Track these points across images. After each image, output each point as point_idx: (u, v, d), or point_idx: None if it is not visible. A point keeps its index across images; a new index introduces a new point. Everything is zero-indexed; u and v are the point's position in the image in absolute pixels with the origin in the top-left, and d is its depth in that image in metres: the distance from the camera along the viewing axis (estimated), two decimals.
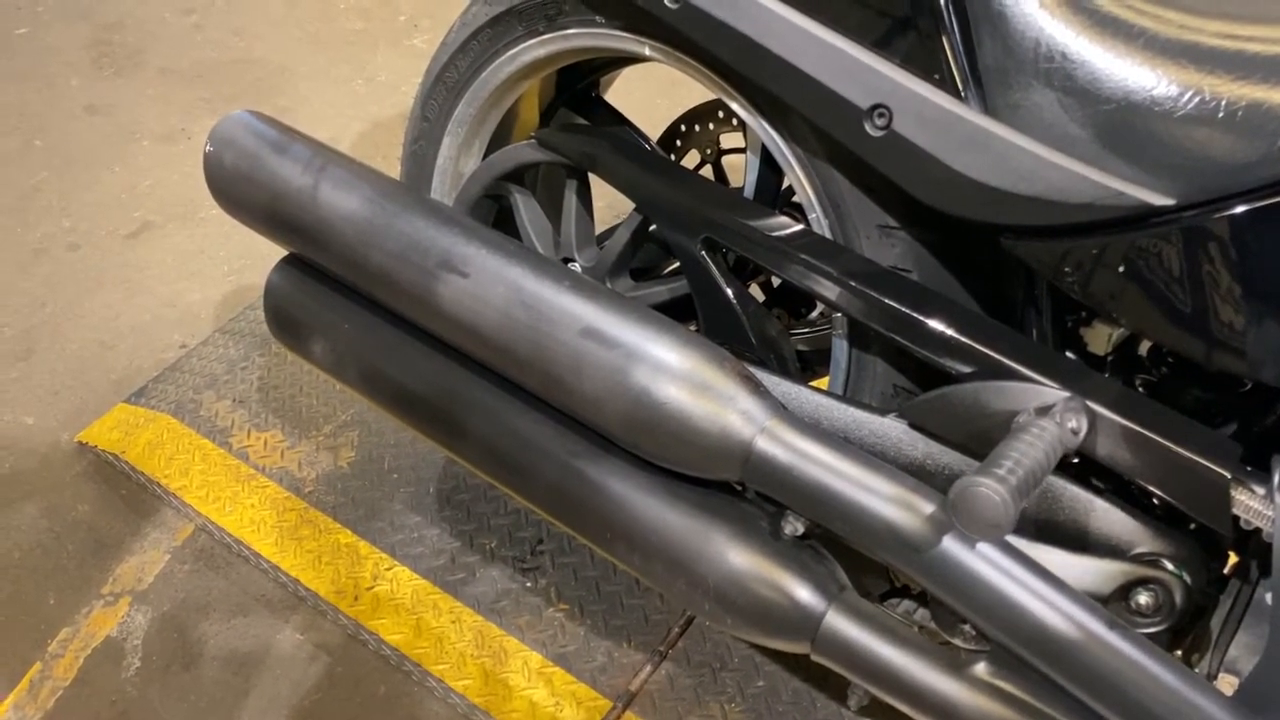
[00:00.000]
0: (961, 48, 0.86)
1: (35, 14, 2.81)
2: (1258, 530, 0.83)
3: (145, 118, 2.48)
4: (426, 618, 1.49)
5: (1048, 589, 0.82)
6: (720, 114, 1.41)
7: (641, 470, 1.01)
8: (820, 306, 1.40)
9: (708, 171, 1.47)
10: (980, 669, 0.89)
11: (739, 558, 0.96)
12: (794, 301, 1.43)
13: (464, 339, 1.06)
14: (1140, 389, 1.02)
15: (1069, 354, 1.04)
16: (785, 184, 1.22)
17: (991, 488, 0.75)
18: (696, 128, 1.44)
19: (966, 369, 0.93)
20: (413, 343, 1.15)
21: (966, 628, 0.92)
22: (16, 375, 1.88)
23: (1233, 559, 0.95)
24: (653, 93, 2.18)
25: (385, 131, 2.44)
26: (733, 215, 1.08)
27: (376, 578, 1.54)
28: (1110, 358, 1.04)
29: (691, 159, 1.46)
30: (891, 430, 0.98)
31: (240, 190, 1.19)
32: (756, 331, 1.12)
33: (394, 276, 1.08)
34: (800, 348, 1.31)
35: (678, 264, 1.15)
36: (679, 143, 1.46)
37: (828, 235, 1.06)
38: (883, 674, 0.92)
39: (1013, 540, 0.88)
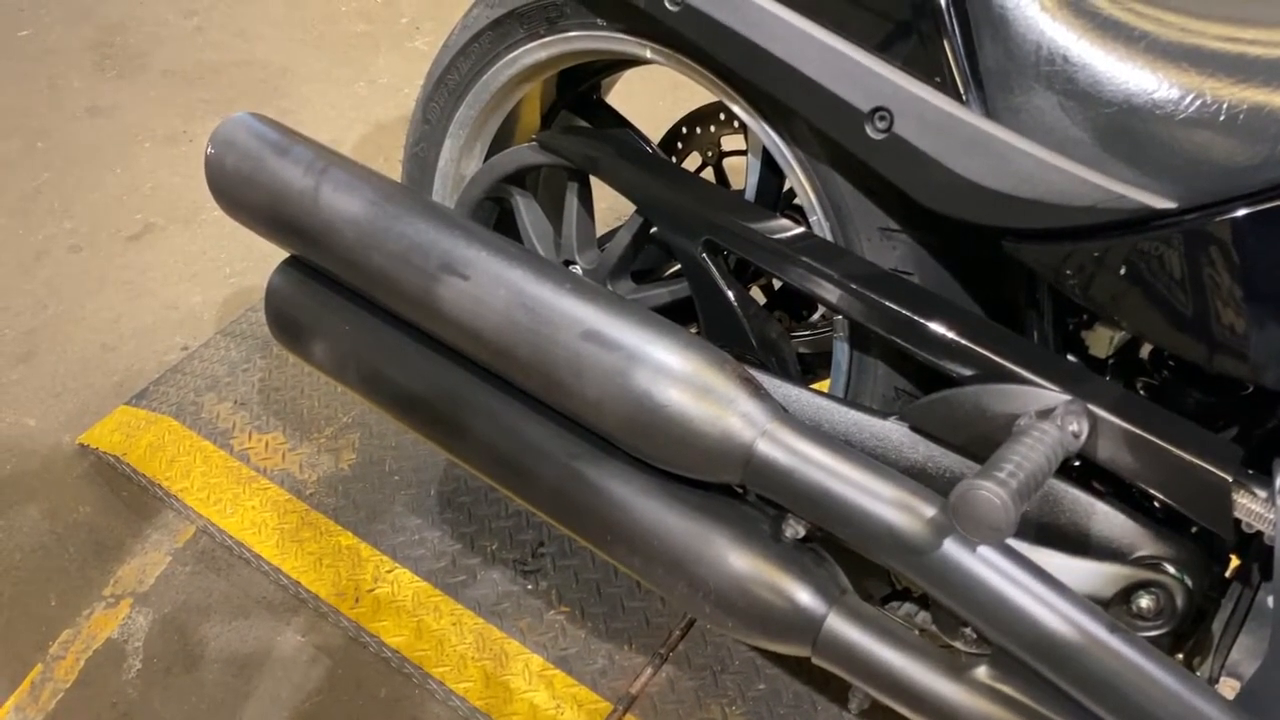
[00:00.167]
0: (963, 51, 0.86)
1: (38, 16, 2.81)
2: (1259, 533, 0.83)
3: (147, 119, 2.48)
4: (427, 620, 1.49)
5: (1049, 592, 0.82)
6: (721, 116, 1.41)
7: (642, 473, 1.01)
8: (821, 309, 1.40)
9: (709, 174, 1.47)
10: (981, 672, 0.89)
11: (740, 560, 0.96)
12: (795, 304, 1.43)
13: (465, 341, 1.06)
14: (1141, 392, 1.02)
15: (1070, 357, 1.04)
16: (786, 186, 1.22)
17: (992, 491, 0.75)
18: (698, 130, 1.44)
19: (968, 372, 0.93)
20: (414, 345, 1.15)
21: (967, 631, 0.92)
22: (18, 377, 1.88)
23: (1234, 562, 0.95)
24: (654, 95, 2.18)
25: (387, 134, 2.44)
26: (734, 218, 1.08)
27: (377, 580, 1.54)
28: (1111, 361, 1.04)
29: (693, 161, 1.47)
30: (892, 433, 0.98)
31: (242, 192, 1.19)
32: (757, 334, 1.12)
33: (395, 279, 1.08)
34: (801, 350, 1.31)
35: (679, 266, 1.15)
36: (680, 145, 1.46)
37: (829, 238, 1.06)
38: (884, 677, 0.92)
39: (1014, 543, 0.88)
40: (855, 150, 0.93)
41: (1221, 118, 0.77)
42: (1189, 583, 0.88)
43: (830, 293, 1.00)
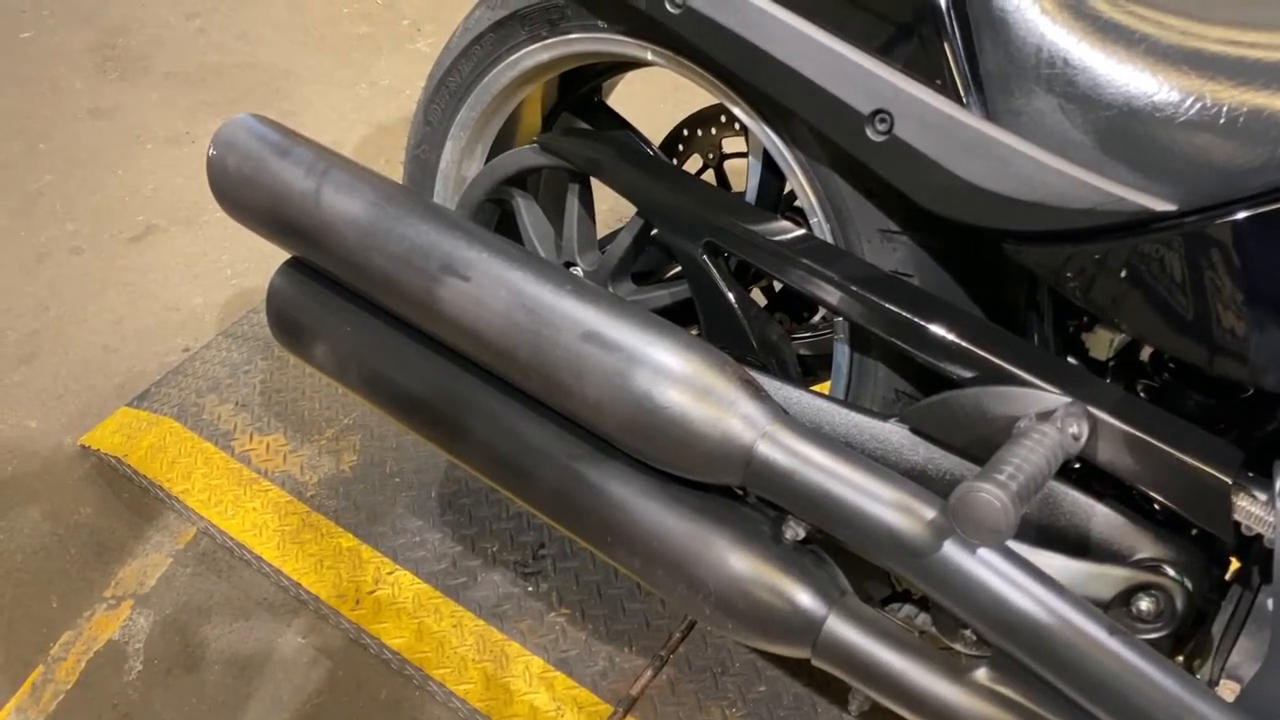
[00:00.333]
0: (963, 53, 0.86)
1: (40, 18, 2.82)
2: (1259, 536, 0.83)
3: (149, 121, 2.48)
4: (428, 622, 1.49)
5: (1048, 594, 0.82)
6: (722, 118, 1.42)
7: (643, 474, 1.01)
8: (822, 311, 1.40)
9: (710, 176, 1.47)
10: (981, 674, 0.89)
11: (740, 562, 0.96)
12: (795, 306, 1.43)
13: (466, 343, 1.06)
14: (1142, 394, 1.02)
15: (1070, 359, 1.04)
16: (787, 188, 1.22)
17: (992, 493, 0.75)
18: (699, 132, 1.44)
19: (968, 374, 0.93)
20: (415, 346, 1.15)
21: (967, 633, 0.92)
22: (20, 379, 1.88)
23: (1234, 565, 0.95)
24: (655, 97, 2.19)
25: (388, 135, 2.44)
26: (734, 220, 1.08)
27: (378, 582, 1.54)
28: (1112, 363, 1.04)
29: (694, 163, 1.47)
30: (893, 435, 0.98)
31: (243, 194, 1.19)
32: (758, 336, 1.12)
33: (396, 280, 1.08)
34: (802, 352, 1.31)
35: (679, 268, 1.15)
36: (681, 147, 1.46)
37: (829, 240, 1.06)
38: (883, 679, 0.92)
39: (1013, 545, 0.88)
40: (856, 152, 0.93)
41: (1221, 120, 0.77)
42: (1189, 585, 0.88)
43: (831, 295, 1.00)
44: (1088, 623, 0.81)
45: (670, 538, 0.98)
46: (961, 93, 0.86)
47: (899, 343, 0.97)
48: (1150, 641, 0.87)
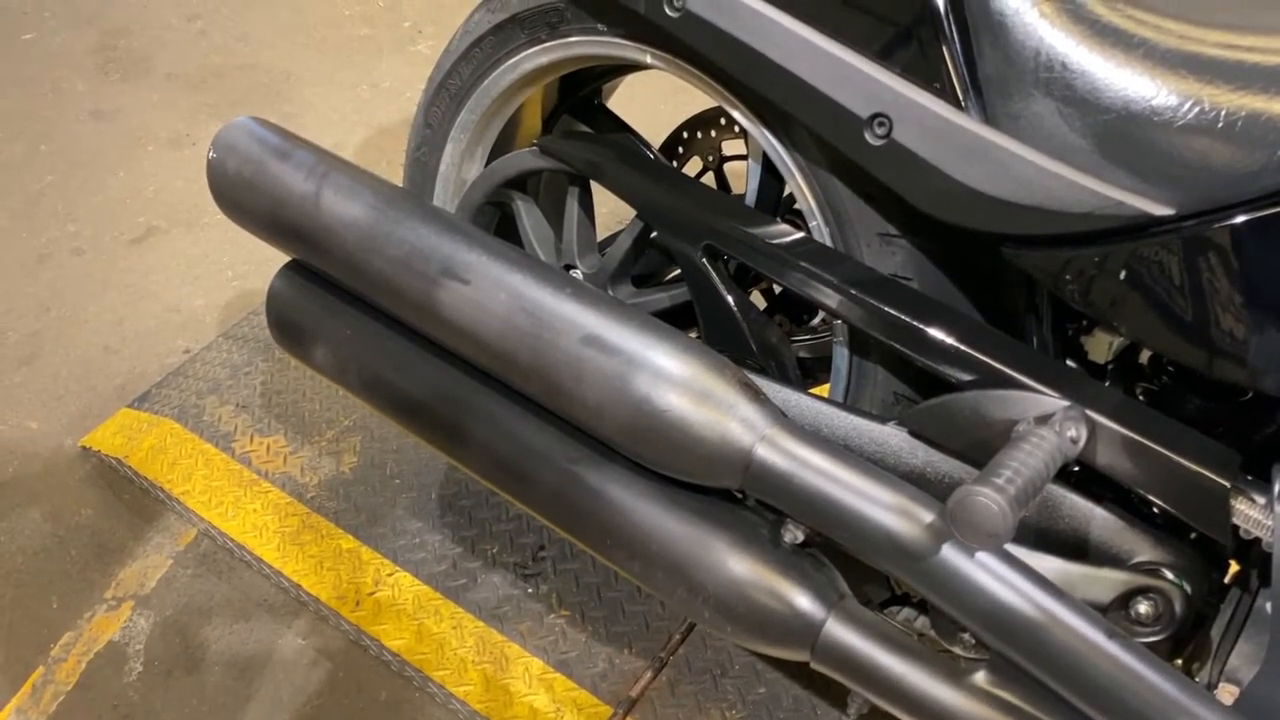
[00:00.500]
0: (962, 57, 0.86)
1: (41, 19, 2.82)
2: (1258, 539, 0.83)
3: (150, 123, 2.48)
4: (428, 623, 1.49)
5: (1047, 598, 0.82)
6: (722, 121, 1.42)
7: (642, 477, 1.01)
8: (821, 314, 1.40)
9: (709, 179, 1.47)
10: (979, 677, 0.89)
11: (739, 565, 0.96)
12: (795, 309, 1.43)
13: (466, 345, 1.06)
14: (1140, 398, 1.02)
15: (1069, 363, 1.04)
16: (786, 192, 1.22)
17: (990, 497, 0.75)
18: (698, 135, 1.44)
19: (967, 377, 0.93)
20: (415, 349, 1.15)
21: (966, 636, 0.92)
22: (20, 380, 1.89)
23: (1233, 568, 0.95)
24: (655, 100, 2.19)
25: (389, 138, 2.44)
26: (734, 223, 1.08)
27: (378, 583, 1.54)
28: (1111, 366, 1.04)
29: (693, 166, 1.47)
30: (891, 438, 0.98)
31: (243, 196, 1.19)
32: (757, 339, 1.12)
33: (396, 283, 1.08)
34: (801, 355, 1.31)
35: (679, 271, 1.16)
36: (681, 150, 1.46)
37: (829, 243, 1.06)
38: (882, 682, 0.92)
39: (1012, 549, 0.88)
40: (855, 156, 0.94)
41: (1220, 124, 0.77)
42: (1188, 588, 0.88)
43: (830, 298, 1.01)
44: (1086, 626, 0.81)
45: (670, 541, 0.98)
46: (960, 96, 0.86)
47: (898, 346, 0.97)
48: (1149, 645, 0.87)
